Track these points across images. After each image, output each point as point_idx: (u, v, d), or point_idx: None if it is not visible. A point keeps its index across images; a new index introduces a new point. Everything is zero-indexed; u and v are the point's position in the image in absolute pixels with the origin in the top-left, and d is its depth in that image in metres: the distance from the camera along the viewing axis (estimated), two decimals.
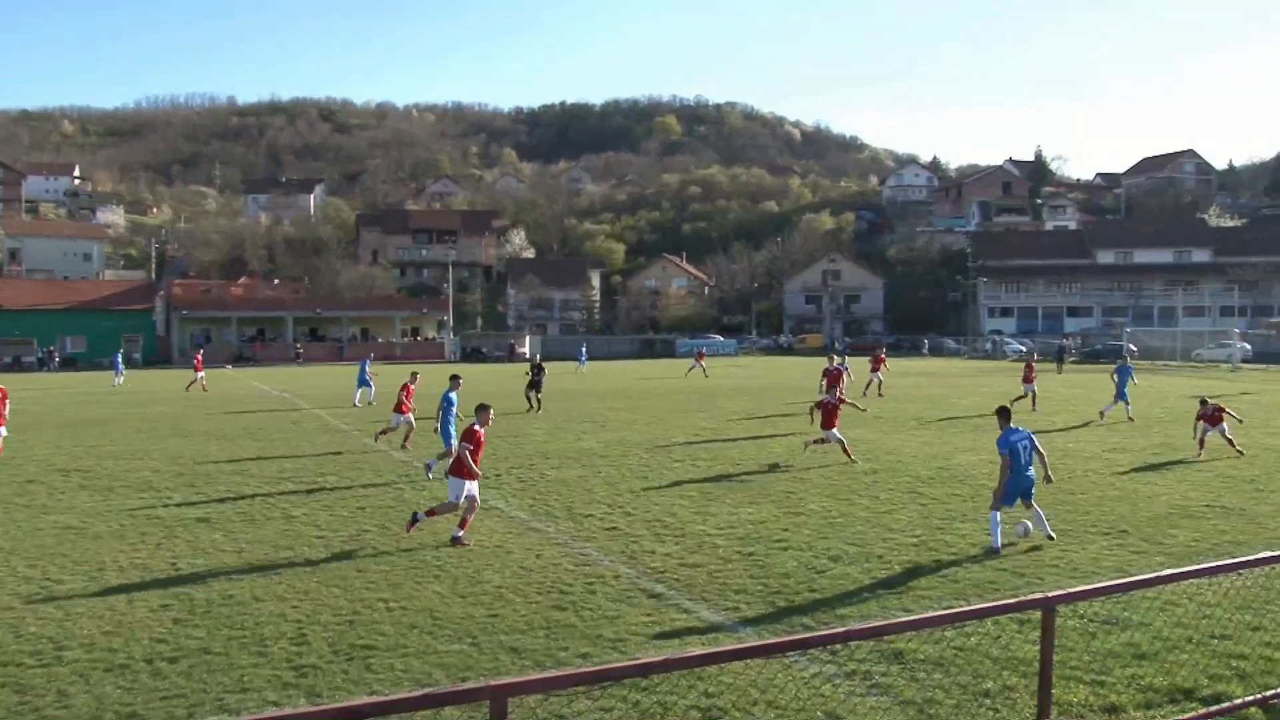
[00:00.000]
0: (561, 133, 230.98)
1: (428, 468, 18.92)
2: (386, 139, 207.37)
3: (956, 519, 14.42)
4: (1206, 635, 8.80)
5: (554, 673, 4.11)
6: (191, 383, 45.18)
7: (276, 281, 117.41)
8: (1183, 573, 6.10)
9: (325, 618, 9.69)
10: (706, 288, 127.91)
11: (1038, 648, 5.36)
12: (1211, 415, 21.43)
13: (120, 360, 54.46)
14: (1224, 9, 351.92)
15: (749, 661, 5.72)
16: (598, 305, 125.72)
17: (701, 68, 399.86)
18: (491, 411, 14.16)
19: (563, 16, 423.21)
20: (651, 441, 24.10)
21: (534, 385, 33.86)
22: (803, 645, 4.96)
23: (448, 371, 24.12)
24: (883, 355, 40.54)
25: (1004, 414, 13.79)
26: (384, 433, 24.11)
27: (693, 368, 56.46)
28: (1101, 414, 28.40)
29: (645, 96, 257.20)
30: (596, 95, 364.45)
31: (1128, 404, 28.44)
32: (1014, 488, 12.84)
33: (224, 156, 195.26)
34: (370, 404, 36.30)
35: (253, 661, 8.47)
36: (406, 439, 23.44)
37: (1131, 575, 9.82)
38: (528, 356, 36.91)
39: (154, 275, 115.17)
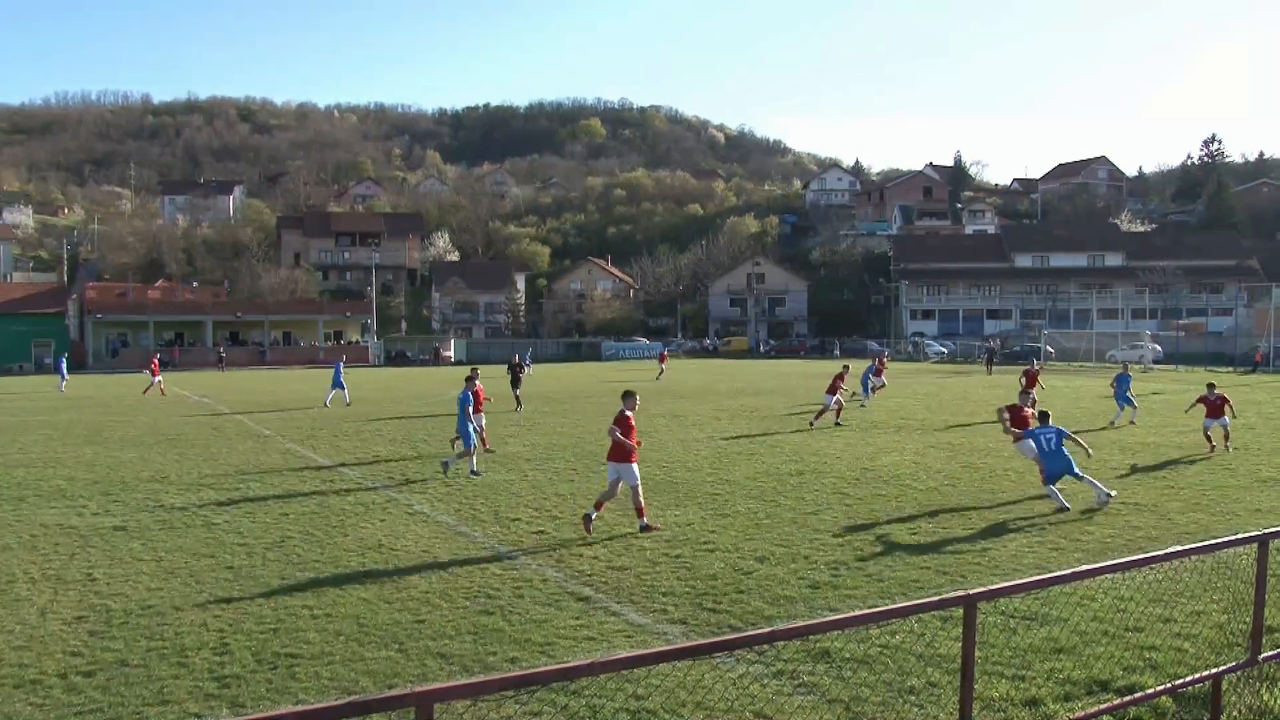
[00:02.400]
0: (485, 135, 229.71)
1: (444, 466, 19.16)
2: (307, 140, 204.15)
3: (881, 519, 14.61)
4: (1121, 628, 9.05)
5: (481, 678, 4.08)
6: (149, 386, 45.74)
7: (195, 285, 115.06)
8: (1098, 568, 6.24)
9: (248, 626, 9.52)
10: (632, 290, 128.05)
11: (960, 644, 5.45)
12: (1215, 404, 22.02)
13: (64, 365, 53.98)
14: (1134, 26, 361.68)
15: (677, 663, 5.75)
16: (523, 309, 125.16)
17: (625, 71, 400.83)
18: (638, 398, 15.06)
19: (485, 19, 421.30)
20: (578, 445, 24.08)
21: (515, 383, 35.02)
22: (730, 646, 4.98)
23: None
24: (884, 361, 40.29)
25: (1043, 416, 16.57)
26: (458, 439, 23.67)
27: (662, 372, 56.18)
28: (1112, 422, 27.89)
29: (569, 99, 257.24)
30: (520, 98, 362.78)
31: (1134, 409, 28.10)
32: (1051, 469, 15.49)
33: (139, 156, 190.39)
34: (346, 405, 37.13)
35: (173, 673, 8.29)
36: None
37: (1050, 572, 10.05)
38: (512, 359, 38.12)
39: (66, 278, 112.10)
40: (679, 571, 11.58)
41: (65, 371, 53.04)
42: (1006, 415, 18.37)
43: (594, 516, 13.92)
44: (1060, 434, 15.72)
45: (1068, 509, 15.05)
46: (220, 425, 30.14)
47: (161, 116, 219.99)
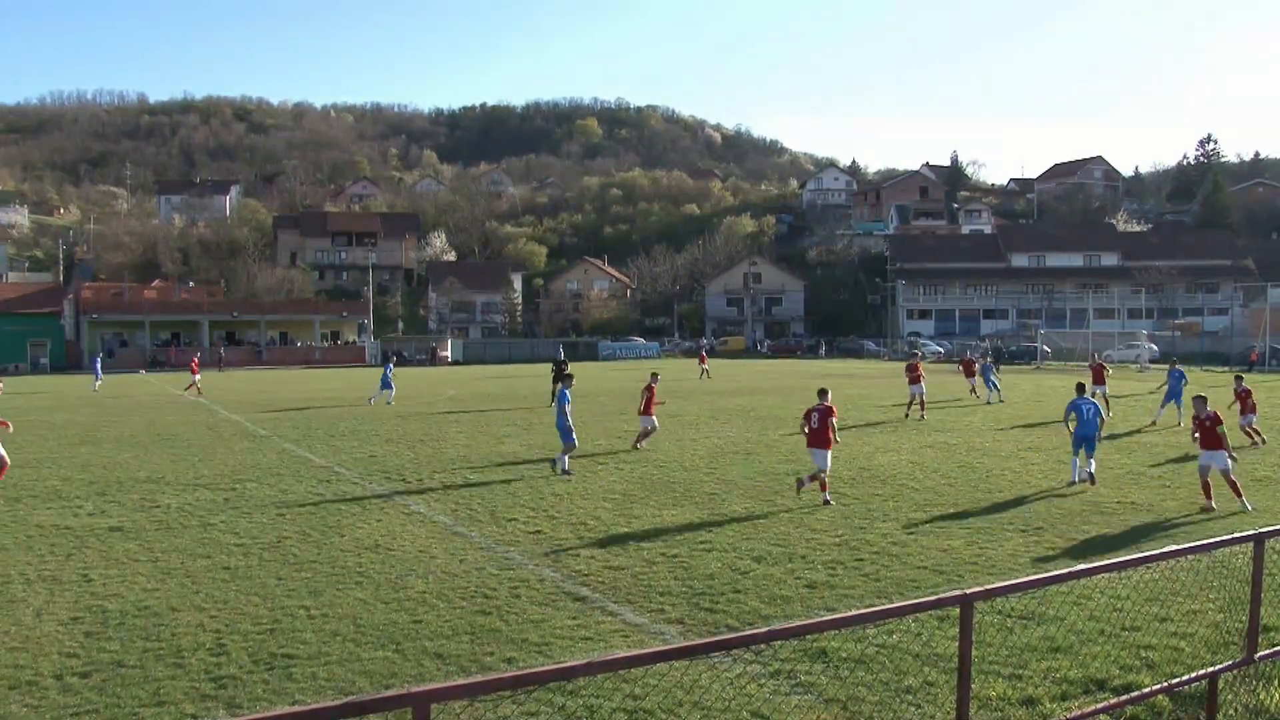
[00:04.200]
0: (482, 135, 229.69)
1: (553, 464, 19.51)
2: (304, 140, 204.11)
3: (878, 518, 14.62)
4: (1118, 627, 9.05)
5: (478, 678, 4.08)
6: (189, 385, 46.87)
7: (191, 285, 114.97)
8: (1094, 568, 6.25)
9: (245, 627, 9.51)
10: (628, 290, 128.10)
11: (957, 644, 5.45)
12: (1244, 398, 22.09)
13: (99, 364, 54.30)
14: (1131, 26, 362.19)
15: (674, 663, 5.76)
16: (519, 308, 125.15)
17: (622, 71, 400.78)
18: (830, 393, 17.18)
19: (482, 19, 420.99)
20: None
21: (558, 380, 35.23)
22: (727, 645, 4.98)
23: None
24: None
25: (1079, 388, 19.30)
26: (641, 438, 23.78)
27: (703, 371, 55.98)
28: (1153, 421, 27.74)
29: (566, 99, 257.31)
30: (517, 97, 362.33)
31: (1179, 408, 27.04)
32: (1080, 434, 17.56)
33: (135, 156, 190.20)
34: (389, 404, 37.63)
35: (169, 674, 8.27)
36: (645, 438, 23.81)
37: (1047, 571, 10.06)
38: (555, 358, 39.35)
39: (62, 278, 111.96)
40: (676, 571, 11.58)
41: (100, 371, 53.37)
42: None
43: (805, 485, 16.35)
44: (1096, 408, 18.00)
45: (1074, 483, 17.25)
46: (216, 425, 30.11)
47: (158, 116, 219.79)
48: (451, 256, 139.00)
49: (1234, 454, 16.51)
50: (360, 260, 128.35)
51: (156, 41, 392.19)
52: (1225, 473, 15.43)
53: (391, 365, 42.56)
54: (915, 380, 30.97)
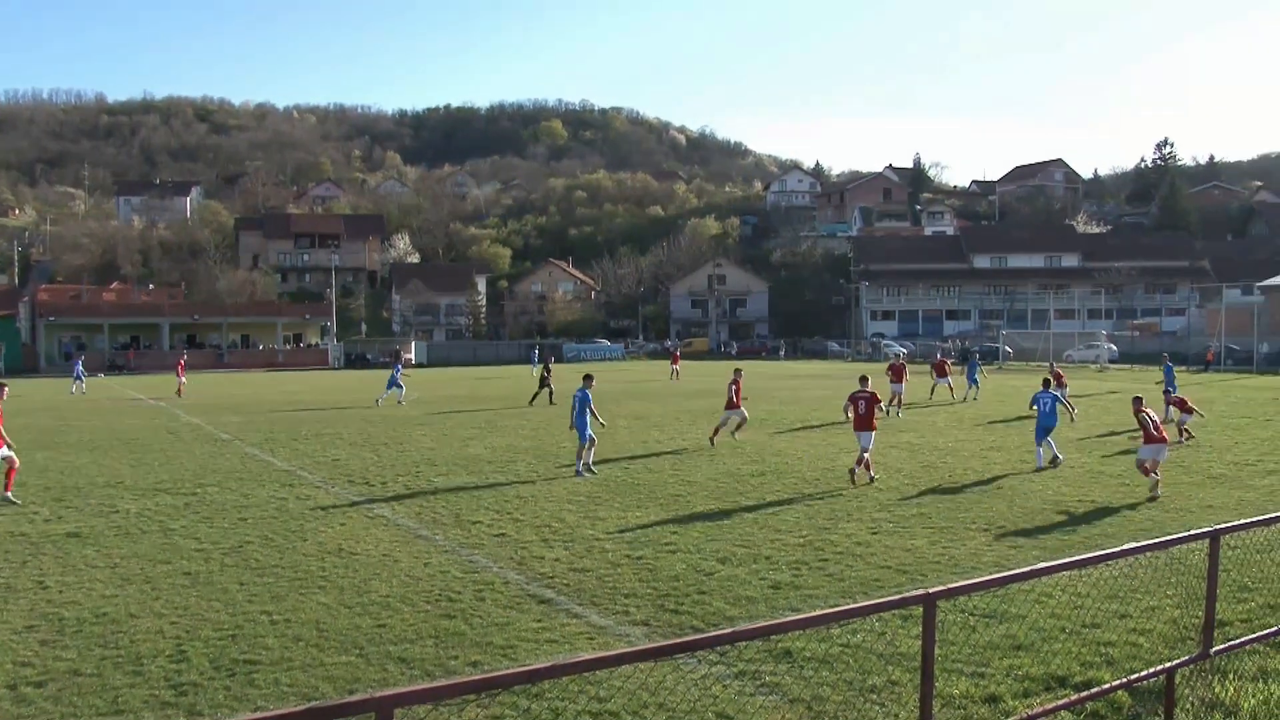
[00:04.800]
0: (446, 136, 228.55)
1: (587, 469, 19.60)
2: (266, 140, 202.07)
3: (841, 519, 14.69)
4: (1078, 625, 9.15)
5: (442, 682, 4.06)
6: (179, 389, 47.10)
7: (151, 287, 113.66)
8: (1056, 565, 6.32)
9: (206, 633, 9.41)
10: (593, 292, 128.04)
11: (920, 642, 5.48)
12: (1181, 404, 23.32)
13: (80, 367, 53.74)
14: (1090, 30, 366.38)
15: (639, 665, 5.76)
16: (484, 310, 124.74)
17: (587, 73, 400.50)
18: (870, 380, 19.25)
19: (446, 19, 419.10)
20: (539, 447, 24.04)
21: (544, 382, 38.24)
22: (692, 647, 4.99)
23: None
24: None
25: (1045, 382, 21.69)
26: (717, 430, 24.49)
27: (674, 372, 55.92)
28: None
29: (530, 101, 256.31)
30: (481, 99, 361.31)
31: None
32: (1040, 425, 19.95)
33: (93, 156, 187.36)
34: (399, 404, 38.75)
35: (128, 681, 8.17)
36: (738, 429, 25.11)
37: (1009, 570, 10.15)
38: (546, 360, 41.07)
39: (17, 280, 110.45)
40: (641, 573, 11.58)
41: (82, 373, 52.91)
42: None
43: (856, 471, 18.01)
44: (1054, 398, 20.45)
45: (1040, 469, 19.30)
46: (177, 429, 29.80)
47: (117, 116, 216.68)
48: (416, 258, 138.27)
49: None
50: (323, 262, 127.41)
51: (115, 40, 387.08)
52: (1158, 462, 16.80)
53: (400, 365, 43.33)
54: (898, 379, 32.38)
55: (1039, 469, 19.34)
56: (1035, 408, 20.64)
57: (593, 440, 19.84)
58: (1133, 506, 15.50)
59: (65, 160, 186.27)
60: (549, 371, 39.58)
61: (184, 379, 48.45)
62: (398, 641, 9.16)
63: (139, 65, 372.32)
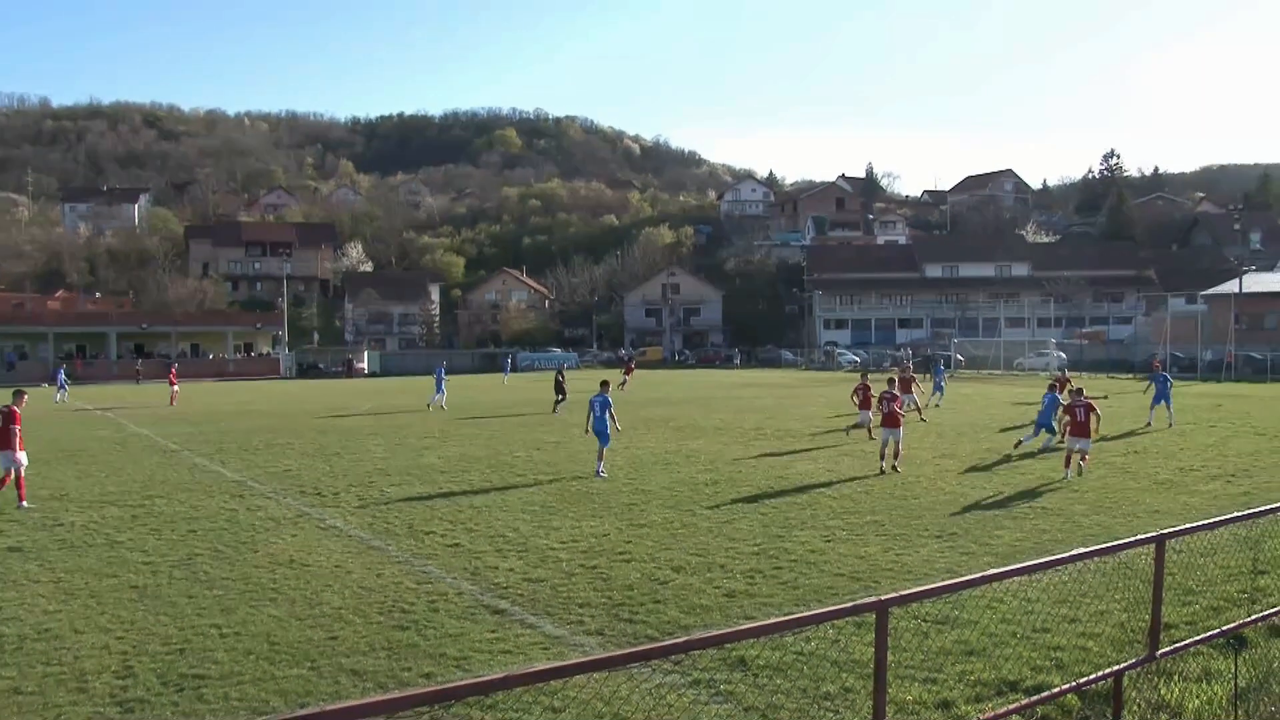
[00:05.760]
0: (400, 145, 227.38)
1: (599, 472, 20.29)
2: (217, 147, 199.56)
3: (795, 526, 14.75)
4: (1029, 629, 9.25)
5: (395, 694, 4.02)
6: (173, 397, 47.12)
7: (98, 295, 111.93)
8: (1007, 571, 6.38)
9: (153, 648, 9.26)
10: (547, 301, 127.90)
11: (874, 649, 5.51)
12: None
13: (64, 376, 53.60)
14: (1039, 45, 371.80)
15: (593, 674, 5.74)
16: (437, 319, 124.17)
17: (541, 82, 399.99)
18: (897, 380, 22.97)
19: (399, 27, 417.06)
20: (493, 456, 23.93)
21: (559, 388, 38.55)
22: (646, 656, 4.98)
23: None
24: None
25: (1050, 387, 25.02)
26: (853, 428, 26.29)
27: (625, 382, 55.53)
28: (1148, 423, 28.87)
29: (485, 109, 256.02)
30: (435, 107, 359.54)
31: (1169, 409, 29.28)
32: (1040, 420, 23.49)
33: (37, 162, 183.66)
34: (441, 409, 39.62)
35: (71, 699, 8.01)
36: (860, 429, 26.81)
37: (961, 576, 10.24)
38: (558, 369, 41.75)
39: None
40: (595, 582, 11.56)
41: (65, 381, 52.57)
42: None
43: (885, 462, 20.48)
44: (1054, 399, 23.33)
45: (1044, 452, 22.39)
46: (125, 440, 29.34)
47: (61, 121, 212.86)
48: (368, 267, 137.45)
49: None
50: (275, 271, 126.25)
51: (60, 44, 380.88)
52: (1084, 453, 19.56)
53: (443, 368, 43.56)
54: (905, 390, 31.65)
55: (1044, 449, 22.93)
56: (1044, 403, 23.90)
57: (609, 443, 20.94)
58: (1082, 511, 15.71)
59: (8, 166, 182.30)
60: (563, 377, 39.82)
61: (177, 387, 48.57)
62: (350, 654, 9.07)
63: (85, 70, 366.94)
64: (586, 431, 21.19)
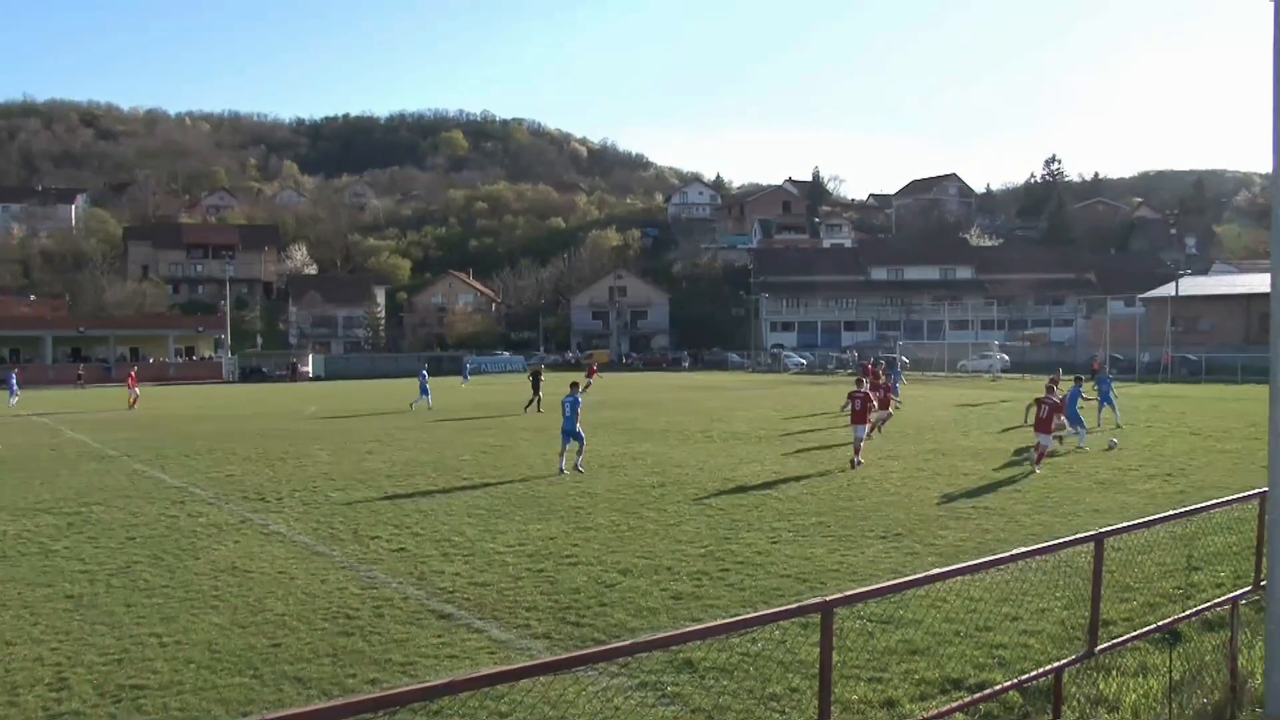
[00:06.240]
0: (344, 146, 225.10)
1: (576, 467, 21.22)
2: (157, 148, 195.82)
3: (742, 528, 14.81)
4: (972, 628, 9.36)
5: (338, 701, 3.98)
6: (132, 400, 46.39)
7: (32, 298, 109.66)
8: (950, 571, 6.46)
9: (90, 658, 9.07)
10: (494, 304, 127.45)
11: (819, 649, 5.55)
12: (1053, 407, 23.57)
13: (14, 381, 53.58)
14: (984, 52, 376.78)
15: (540, 678, 5.72)
16: (383, 322, 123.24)
17: (488, 83, 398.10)
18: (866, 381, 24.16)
19: (343, 27, 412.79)
20: (439, 460, 23.77)
21: (535, 388, 39.66)
22: (593, 659, 4.98)
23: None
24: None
25: (1077, 380, 26.59)
26: (1040, 458, 23.54)
27: (589, 385, 55.12)
28: (1098, 424, 28.75)
29: (431, 111, 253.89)
30: (381, 108, 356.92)
31: (1115, 410, 29.61)
32: (1070, 417, 24.30)
33: None
34: (429, 409, 40.36)
35: (1, 714, 7.83)
36: (1043, 457, 25.72)
37: (905, 576, 10.34)
38: (530, 367, 43.29)
39: None
40: (542, 586, 11.52)
41: (15, 386, 52.30)
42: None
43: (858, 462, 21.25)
44: (1076, 393, 25.15)
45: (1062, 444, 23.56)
46: (60, 446, 28.77)
47: None
48: (313, 270, 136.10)
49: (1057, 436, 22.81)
50: (217, 273, 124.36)
51: None
52: (1043, 448, 21.16)
53: (425, 372, 44.93)
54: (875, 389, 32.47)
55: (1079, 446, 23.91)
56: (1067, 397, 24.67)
57: (583, 441, 21.61)
58: (1024, 511, 15.94)
59: None
60: (539, 379, 40.63)
61: (137, 390, 47.82)
62: (294, 661, 8.96)
63: (18, 66, 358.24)
64: (564, 430, 21.73)
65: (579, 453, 21.64)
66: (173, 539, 14.56)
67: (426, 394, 42.00)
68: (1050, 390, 23.16)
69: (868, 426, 22.99)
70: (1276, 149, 7.01)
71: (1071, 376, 28.51)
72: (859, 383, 23.91)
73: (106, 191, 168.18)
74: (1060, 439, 23.98)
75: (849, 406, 23.02)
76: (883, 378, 36.82)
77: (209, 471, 22.39)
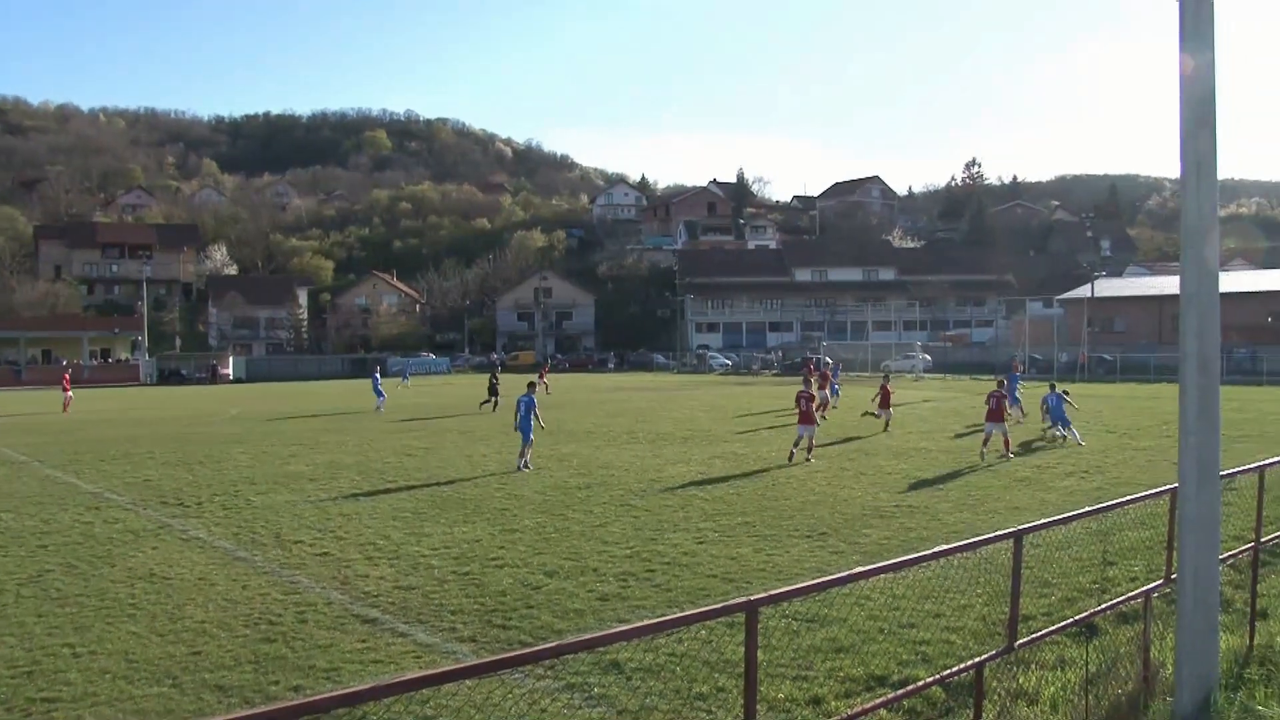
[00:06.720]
0: (265, 144, 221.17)
1: (526, 466, 21.72)
2: (69, 144, 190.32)
3: (668, 529, 14.85)
4: (896, 625, 9.49)
5: (261, 709, 3.91)
6: (66, 403, 45.39)
7: None
8: (874, 569, 6.53)
9: None
10: (418, 305, 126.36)
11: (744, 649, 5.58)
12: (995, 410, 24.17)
13: None
14: (899, 53, 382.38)
15: (465, 682, 5.67)
16: (306, 324, 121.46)
17: (412, 83, 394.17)
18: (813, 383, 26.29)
19: (265, 21, 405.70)
20: (363, 463, 23.49)
21: (493, 389, 40.46)
22: (519, 662, 4.95)
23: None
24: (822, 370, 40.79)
25: (1050, 386, 27.84)
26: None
27: (546, 386, 54.43)
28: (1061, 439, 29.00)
29: (354, 110, 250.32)
30: (302, 106, 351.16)
31: (1019, 407, 30.95)
32: (1055, 416, 26.04)
33: None
34: (379, 410, 40.17)
35: None
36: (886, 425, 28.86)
37: (830, 574, 10.45)
38: (493, 368, 43.31)
39: None
40: (467, 589, 11.45)
41: None
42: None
43: (795, 453, 22.32)
44: (1060, 397, 26.15)
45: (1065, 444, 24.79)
46: None
47: None
48: (233, 270, 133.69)
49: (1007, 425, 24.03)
50: (134, 274, 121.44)
51: None
52: (1003, 435, 23.09)
53: (378, 374, 44.32)
54: (823, 386, 34.19)
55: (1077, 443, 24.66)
56: (1046, 405, 26.94)
57: (531, 441, 22.19)
58: (947, 509, 16.21)
59: None
60: (498, 380, 41.47)
61: (70, 393, 46.70)
62: (214, 669, 8.79)
63: None
64: (515, 429, 22.52)
65: (525, 452, 22.10)
66: (87, 546, 14.19)
67: (381, 395, 41.81)
68: (1001, 386, 25.32)
69: (816, 428, 23.59)
70: (1184, 155, 7.22)
71: (1052, 382, 29.85)
72: (806, 383, 25.31)
73: (15, 188, 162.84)
74: (1064, 438, 25.37)
75: (797, 407, 23.80)
76: (828, 377, 37.80)
77: (125, 476, 21.87)
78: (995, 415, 23.52)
